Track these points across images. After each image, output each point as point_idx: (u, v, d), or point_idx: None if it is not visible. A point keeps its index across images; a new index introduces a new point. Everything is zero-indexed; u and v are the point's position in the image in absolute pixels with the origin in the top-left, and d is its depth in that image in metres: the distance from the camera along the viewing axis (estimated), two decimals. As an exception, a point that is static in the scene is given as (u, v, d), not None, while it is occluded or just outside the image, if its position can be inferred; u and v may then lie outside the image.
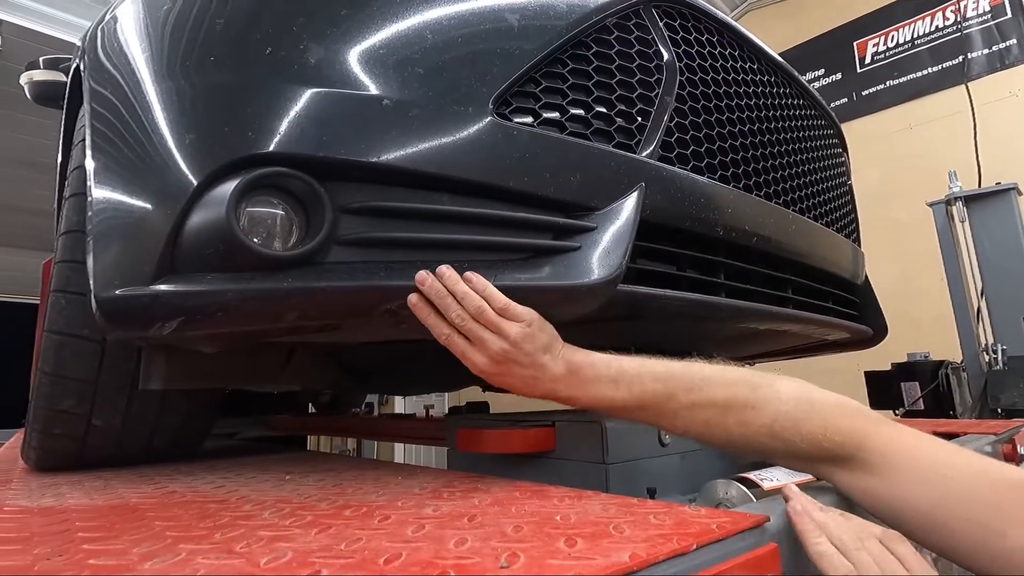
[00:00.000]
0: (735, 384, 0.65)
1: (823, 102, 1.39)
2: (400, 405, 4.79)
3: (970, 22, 3.96)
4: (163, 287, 0.62)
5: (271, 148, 0.64)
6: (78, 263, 0.89)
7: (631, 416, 0.69)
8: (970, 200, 2.70)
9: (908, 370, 2.72)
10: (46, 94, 1.68)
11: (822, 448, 0.61)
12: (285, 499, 0.67)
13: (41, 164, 4.93)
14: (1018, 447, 1.21)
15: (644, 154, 0.84)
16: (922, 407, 2.61)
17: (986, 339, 2.61)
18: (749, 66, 1.10)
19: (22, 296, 6.63)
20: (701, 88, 0.95)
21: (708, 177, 0.92)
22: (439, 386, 2.36)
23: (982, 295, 2.64)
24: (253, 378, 1.15)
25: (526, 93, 0.78)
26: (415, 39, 0.74)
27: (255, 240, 0.62)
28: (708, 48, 1.01)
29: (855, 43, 4.49)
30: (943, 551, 0.54)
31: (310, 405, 2.78)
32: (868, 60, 4.40)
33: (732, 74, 1.04)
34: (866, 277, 1.51)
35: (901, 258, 3.63)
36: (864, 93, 4.38)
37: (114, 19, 0.86)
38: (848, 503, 0.62)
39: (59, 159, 1.42)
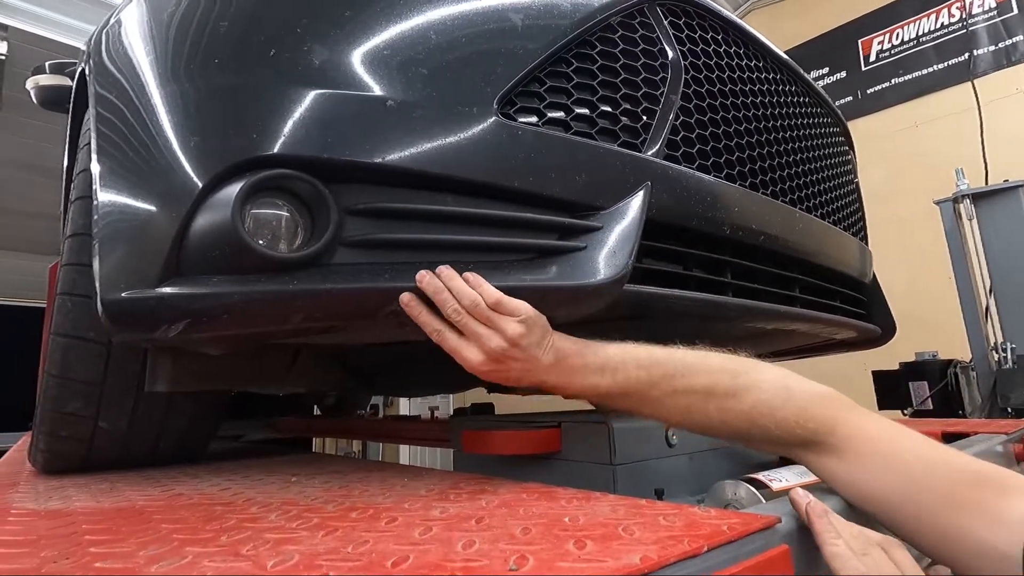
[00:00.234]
0: (716, 372, 0.67)
1: (829, 100, 1.38)
2: (405, 407, 4.79)
3: (976, 19, 3.94)
4: (169, 289, 0.62)
5: (276, 150, 0.64)
6: (84, 266, 0.89)
7: (615, 403, 0.70)
8: (978, 198, 2.68)
9: (916, 369, 2.70)
10: (52, 98, 1.70)
11: (795, 435, 0.63)
12: (291, 501, 0.67)
13: (45, 168, 4.96)
14: (1029, 446, 1.20)
15: (650, 153, 0.83)
16: (931, 407, 2.58)
17: (995, 337, 2.59)
18: (755, 64, 1.09)
19: (31, 300, 6.67)
20: (707, 86, 0.95)
21: (714, 176, 0.91)
22: (443, 387, 2.35)
23: (990, 293, 2.61)
24: (258, 380, 1.15)
25: (530, 93, 0.78)
26: (419, 39, 0.73)
27: (260, 242, 0.62)
28: (713, 46, 1.00)
29: (859, 41, 4.46)
30: (904, 537, 0.55)
31: (315, 407, 2.78)
32: (873, 58, 4.38)
33: (738, 72, 1.03)
34: (874, 276, 1.50)
35: (908, 257, 3.60)
36: (869, 91, 4.35)
37: (118, 23, 0.86)
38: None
39: (65, 163, 1.43)
